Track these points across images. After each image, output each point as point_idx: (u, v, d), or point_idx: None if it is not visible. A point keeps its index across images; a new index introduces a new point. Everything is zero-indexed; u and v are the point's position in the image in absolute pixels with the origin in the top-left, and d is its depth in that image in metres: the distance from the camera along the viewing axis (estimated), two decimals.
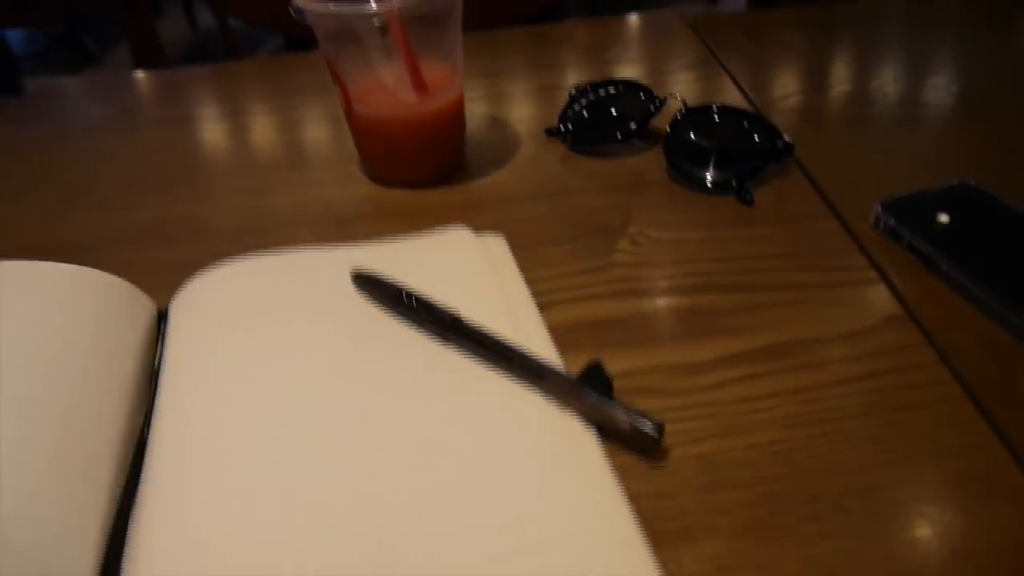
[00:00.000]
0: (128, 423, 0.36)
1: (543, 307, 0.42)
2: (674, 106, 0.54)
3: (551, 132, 0.59)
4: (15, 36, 2.85)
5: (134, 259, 0.42)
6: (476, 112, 0.63)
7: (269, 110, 0.68)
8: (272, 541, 0.31)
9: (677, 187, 0.52)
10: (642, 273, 0.45)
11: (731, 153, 0.52)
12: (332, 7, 0.48)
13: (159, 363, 0.40)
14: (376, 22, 0.49)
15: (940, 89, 0.62)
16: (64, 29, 2.92)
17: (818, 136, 0.56)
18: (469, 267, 0.44)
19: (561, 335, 0.40)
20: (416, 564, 0.30)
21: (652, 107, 0.56)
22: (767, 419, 0.35)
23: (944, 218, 0.45)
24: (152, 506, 0.32)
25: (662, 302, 0.43)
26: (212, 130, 0.66)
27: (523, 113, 0.64)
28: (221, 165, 0.61)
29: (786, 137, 0.51)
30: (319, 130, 0.65)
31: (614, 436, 0.35)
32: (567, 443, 0.34)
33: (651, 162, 0.55)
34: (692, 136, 0.53)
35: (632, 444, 0.34)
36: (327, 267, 0.45)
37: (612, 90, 0.58)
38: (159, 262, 0.48)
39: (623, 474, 0.33)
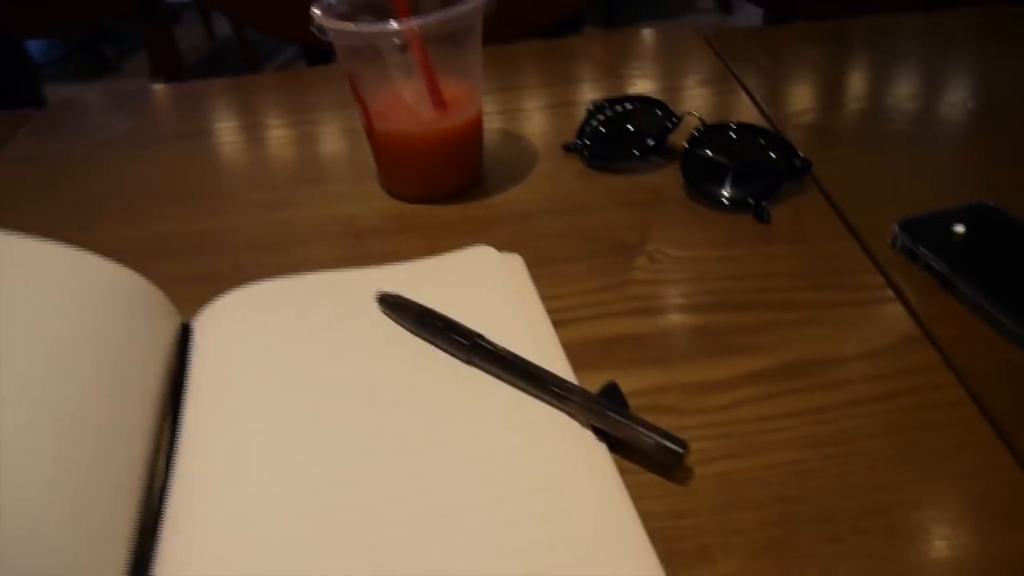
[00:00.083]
0: (154, 429, 0.37)
1: (560, 324, 0.42)
2: (691, 123, 0.54)
3: (568, 148, 0.59)
4: (34, 43, 2.88)
5: (154, 271, 0.42)
6: (493, 127, 0.64)
7: (289, 123, 0.69)
8: (297, 556, 0.31)
9: (694, 204, 0.52)
10: (659, 291, 0.45)
11: (748, 171, 0.52)
12: (353, 26, 0.49)
13: (184, 375, 0.40)
14: (396, 40, 0.50)
15: (957, 106, 0.62)
16: (83, 37, 2.95)
17: (835, 154, 0.56)
18: (494, 285, 0.45)
19: (578, 352, 0.40)
20: None
21: (669, 124, 0.56)
22: (784, 439, 0.36)
23: (962, 238, 0.45)
24: (180, 515, 0.33)
25: (679, 320, 0.43)
26: (232, 143, 0.67)
27: (540, 128, 0.64)
28: (241, 178, 0.62)
29: (803, 155, 0.52)
30: (338, 144, 0.65)
31: (632, 455, 0.35)
32: (586, 460, 0.34)
33: (668, 179, 0.55)
34: (709, 153, 0.53)
35: (652, 462, 0.35)
36: (353, 288, 0.45)
37: (629, 106, 0.59)
38: (179, 274, 0.48)
39: (640, 493, 0.33)
